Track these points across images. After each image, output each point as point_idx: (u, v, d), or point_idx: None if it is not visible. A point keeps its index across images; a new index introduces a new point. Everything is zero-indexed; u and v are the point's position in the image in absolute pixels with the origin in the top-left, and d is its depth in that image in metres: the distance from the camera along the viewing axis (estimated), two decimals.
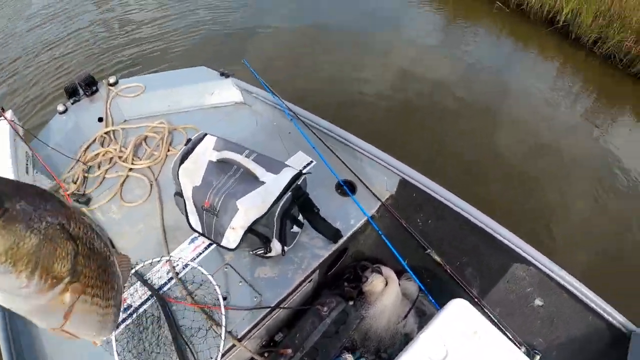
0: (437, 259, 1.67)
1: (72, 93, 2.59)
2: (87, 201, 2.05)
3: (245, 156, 1.59)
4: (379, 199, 1.87)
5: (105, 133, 2.34)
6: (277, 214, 1.46)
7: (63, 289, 0.53)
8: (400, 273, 1.80)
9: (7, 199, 0.45)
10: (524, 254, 1.56)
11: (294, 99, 2.31)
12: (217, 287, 1.50)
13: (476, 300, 1.57)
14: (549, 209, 3.29)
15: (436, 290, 1.63)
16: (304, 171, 1.63)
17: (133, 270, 1.64)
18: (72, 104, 2.57)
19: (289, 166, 1.59)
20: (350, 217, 1.84)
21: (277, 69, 4.39)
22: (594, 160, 4.03)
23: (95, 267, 0.59)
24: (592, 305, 1.44)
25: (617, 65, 6.02)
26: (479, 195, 3.12)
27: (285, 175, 1.53)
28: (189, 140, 1.67)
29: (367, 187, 1.90)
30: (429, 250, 1.70)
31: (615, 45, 6.10)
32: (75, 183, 2.12)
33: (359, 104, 4.14)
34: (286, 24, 5.63)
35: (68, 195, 2.02)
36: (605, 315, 1.42)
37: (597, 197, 3.54)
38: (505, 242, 1.59)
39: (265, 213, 1.45)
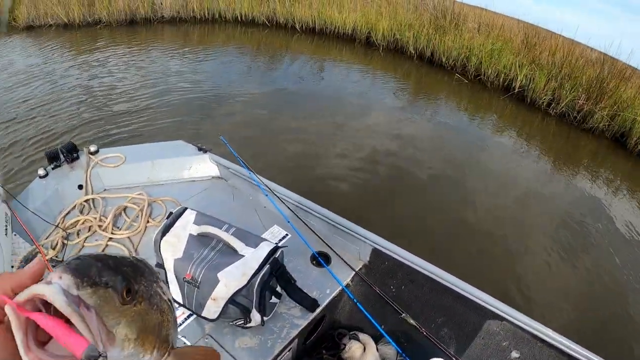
0: (413, 322, 1.72)
1: (53, 158, 2.63)
2: None
3: (225, 230, 1.67)
4: (352, 269, 1.95)
5: (85, 201, 2.38)
6: (256, 285, 1.52)
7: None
8: (377, 338, 1.85)
9: (133, 281, 0.45)
10: (496, 310, 1.63)
11: (269, 174, 2.45)
12: None
13: (454, 358, 1.62)
14: (518, 267, 3.42)
15: (414, 353, 1.66)
16: (280, 244, 1.73)
17: None
18: (53, 169, 2.60)
19: (267, 240, 1.68)
20: (326, 286, 1.91)
21: (253, 145, 4.58)
22: (557, 217, 4.26)
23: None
24: (568, 350, 1.49)
25: (571, 123, 6.58)
26: (449, 259, 3.24)
27: (263, 249, 1.62)
28: (170, 214, 1.75)
29: (340, 258, 1.99)
30: (403, 315, 1.75)
31: (569, 105, 6.71)
32: (54, 249, 2.11)
33: (329, 178, 4.30)
34: (261, 109, 5.85)
35: (47, 260, 2.01)
36: (582, 359, 1.47)
37: (561, 251, 3.72)
38: (477, 300, 1.67)
39: (245, 285, 1.51)
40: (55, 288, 0.38)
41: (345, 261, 1.96)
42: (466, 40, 8.11)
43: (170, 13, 11.72)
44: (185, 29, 11.33)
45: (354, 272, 1.95)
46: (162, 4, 11.73)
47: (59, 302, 0.37)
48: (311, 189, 3.90)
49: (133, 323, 0.43)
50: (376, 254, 2.00)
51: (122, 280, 0.43)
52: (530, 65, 7.21)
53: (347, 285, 1.94)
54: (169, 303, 0.53)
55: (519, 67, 7.29)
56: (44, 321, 0.38)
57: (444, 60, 8.31)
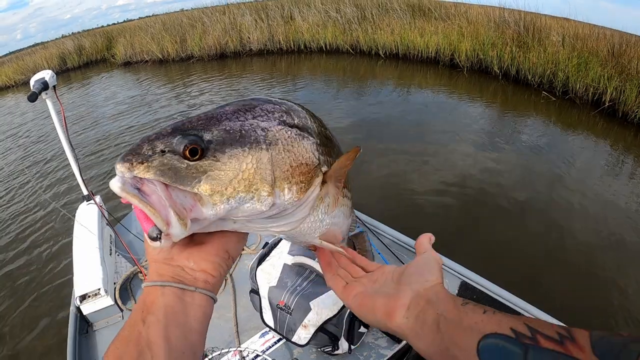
0: None
1: None
2: None
3: (318, 261, 1.76)
4: None
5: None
6: (346, 315, 1.58)
7: (319, 188, 0.49)
8: None
9: (200, 135, 0.41)
10: None
11: (357, 198, 2.52)
12: None
13: None
14: (620, 305, 3.06)
15: None
16: None
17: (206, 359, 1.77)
18: None
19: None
20: None
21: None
22: None
23: (335, 153, 0.54)
24: None
25: None
26: (539, 292, 3.01)
27: None
28: (266, 244, 1.90)
29: None
30: None
31: None
32: None
33: (415, 203, 4.23)
34: (349, 134, 5.94)
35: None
36: None
37: None
38: None
39: (336, 314, 1.58)
40: (114, 179, 0.38)
41: None
42: (551, 55, 7.57)
43: (257, 46, 12.66)
44: (272, 60, 12.11)
45: None
46: (249, 37, 12.76)
47: (115, 190, 0.38)
48: (397, 214, 3.88)
49: (215, 176, 0.40)
50: (465, 287, 1.97)
51: (180, 140, 0.40)
52: (619, 76, 6.54)
53: None
54: (305, 130, 0.48)
55: (607, 79, 6.64)
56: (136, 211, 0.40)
57: (529, 77, 7.82)
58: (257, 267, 1.80)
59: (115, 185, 0.38)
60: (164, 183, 0.39)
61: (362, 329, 1.73)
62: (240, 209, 0.42)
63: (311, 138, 0.48)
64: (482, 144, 5.63)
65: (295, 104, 0.52)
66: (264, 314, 1.79)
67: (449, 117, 6.69)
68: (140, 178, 0.39)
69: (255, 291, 1.81)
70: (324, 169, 0.49)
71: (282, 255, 1.83)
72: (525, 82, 7.95)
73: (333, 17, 12.07)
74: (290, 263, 1.79)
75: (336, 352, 1.70)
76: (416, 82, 8.96)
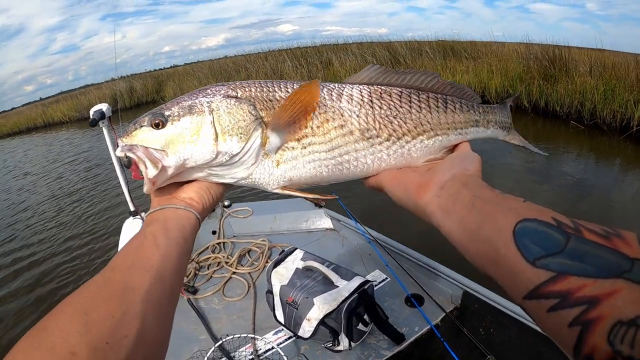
0: None
1: None
2: (195, 291, 2.56)
3: (326, 266, 2.03)
4: (443, 310, 2.06)
5: (217, 243, 2.97)
6: (344, 310, 1.78)
7: (260, 140, 0.62)
8: None
9: (162, 111, 0.61)
10: None
11: (374, 224, 2.75)
12: None
13: None
14: None
15: None
16: (379, 286, 2.04)
17: (219, 344, 1.99)
18: None
19: (360, 275, 1.96)
20: (415, 324, 2.05)
21: (362, 198, 4.89)
22: None
23: (287, 111, 0.62)
24: None
25: None
26: None
27: (355, 282, 1.91)
28: (282, 251, 2.16)
29: (432, 299, 2.12)
30: (489, 357, 1.79)
31: None
32: (187, 277, 2.69)
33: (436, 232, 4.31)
34: None
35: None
36: None
37: None
38: None
39: (335, 309, 1.79)
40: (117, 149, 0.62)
41: (437, 303, 2.09)
42: (578, 85, 7.61)
43: None
44: None
45: (444, 314, 2.06)
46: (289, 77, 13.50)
47: (117, 153, 0.61)
48: (415, 239, 3.99)
49: (171, 136, 0.60)
50: (467, 296, 2.10)
51: (150, 118, 0.61)
52: None
53: (437, 326, 2.04)
54: (242, 98, 0.63)
55: (635, 104, 6.57)
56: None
57: (557, 109, 7.87)
58: (273, 270, 2.06)
59: (117, 151, 0.62)
60: (143, 145, 0.60)
61: (362, 327, 1.90)
62: (194, 158, 0.60)
63: (248, 102, 0.63)
64: (519, 181, 5.59)
65: (252, 82, 0.67)
66: (276, 312, 2.01)
67: (484, 157, 6.74)
68: (130, 144, 0.60)
69: (269, 291, 2.05)
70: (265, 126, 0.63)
71: (295, 261, 2.09)
72: (554, 114, 7.96)
73: (369, 61, 12.47)
74: (301, 267, 2.04)
75: (337, 348, 1.87)
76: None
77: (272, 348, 1.97)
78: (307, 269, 2.03)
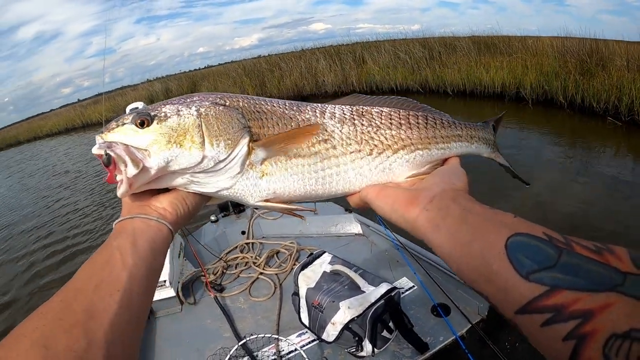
0: None
1: (223, 209, 3.48)
2: (222, 289, 2.62)
3: (354, 271, 2.04)
4: (469, 321, 2.01)
5: (246, 243, 3.02)
6: (369, 316, 1.77)
7: (246, 148, 0.61)
8: None
9: (147, 112, 0.59)
10: None
11: (403, 230, 2.70)
12: None
13: None
14: None
15: None
16: (405, 294, 2.00)
17: (242, 342, 2.04)
18: (223, 217, 3.41)
19: (387, 282, 1.94)
20: (440, 335, 2.02)
21: None
22: None
23: (276, 125, 0.63)
24: None
25: None
26: None
27: (382, 288, 1.90)
28: (310, 254, 2.18)
29: (459, 310, 2.08)
30: None
31: None
32: (214, 274, 2.75)
33: None
34: None
35: (209, 282, 2.62)
36: None
37: None
38: None
39: (360, 314, 1.78)
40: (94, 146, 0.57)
41: (464, 314, 2.04)
42: (615, 80, 7.24)
43: (332, 88, 13.36)
44: None
45: (470, 325, 2.01)
46: (324, 80, 13.54)
47: (93, 151, 0.57)
48: None
49: (156, 136, 0.57)
50: (495, 309, 2.04)
51: (134, 116, 0.58)
52: None
53: (462, 337, 2.00)
54: (233, 108, 0.62)
55: None
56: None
57: (594, 104, 7.52)
58: (300, 272, 2.08)
59: (94, 148, 0.57)
60: (124, 143, 0.56)
61: (386, 334, 1.89)
62: (178, 160, 0.57)
63: (236, 111, 0.62)
64: (556, 177, 5.43)
65: (240, 95, 0.67)
66: (301, 314, 2.03)
67: (520, 153, 6.56)
68: (110, 142, 0.57)
69: (296, 293, 2.07)
70: (251, 136, 0.62)
71: (323, 265, 2.11)
72: (590, 110, 7.64)
73: (402, 58, 12.44)
74: (329, 270, 2.05)
75: (360, 354, 1.87)
76: (485, 117, 8.89)
77: (295, 350, 1.99)
78: (335, 273, 2.04)
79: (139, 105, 2.83)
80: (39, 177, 12.18)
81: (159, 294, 2.44)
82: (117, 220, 0.58)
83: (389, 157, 0.67)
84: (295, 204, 0.67)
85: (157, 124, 0.58)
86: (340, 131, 0.66)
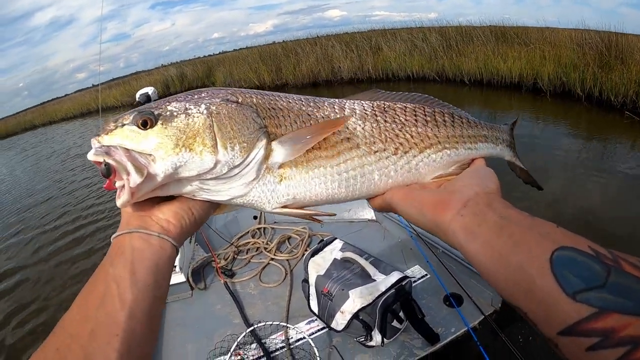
0: None
1: None
2: (232, 275, 2.63)
3: (365, 259, 2.01)
4: (482, 313, 1.98)
5: (257, 228, 3.02)
6: (379, 305, 1.75)
7: (263, 151, 0.55)
8: None
9: (151, 110, 0.52)
10: None
11: None
12: (319, 359, 1.79)
13: None
14: None
15: None
16: (417, 282, 1.95)
17: (251, 329, 2.04)
18: None
19: (398, 270, 1.91)
20: (451, 326, 1.99)
21: None
22: None
23: (294, 123, 0.58)
24: None
25: None
26: None
27: (393, 276, 1.87)
28: (321, 241, 2.16)
29: (472, 301, 2.05)
30: None
31: None
32: (225, 260, 2.76)
33: None
34: None
35: (219, 267, 2.62)
36: None
37: None
38: None
39: (370, 303, 1.76)
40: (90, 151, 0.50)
41: (476, 305, 2.01)
42: (634, 74, 7.10)
43: (348, 75, 13.24)
44: (362, 88, 12.41)
45: (483, 316, 1.98)
46: (340, 67, 13.40)
47: (89, 157, 0.49)
48: None
49: (162, 139, 0.51)
50: (532, 326, 2.00)
51: (135, 116, 0.51)
52: None
53: (474, 328, 1.97)
54: (247, 105, 0.56)
55: None
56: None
57: (612, 98, 7.38)
58: (310, 259, 2.06)
59: (89, 154, 0.49)
60: (124, 147, 0.50)
61: (396, 324, 1.87)
62: (188, 166, 0.51)
63: (251, 109, 0.56)
64: (571, 172, 5.34)
65: (252, 91, 0.61)
66: (310, 301, 2.02)
67: (537, 144, 6.47)
68: (108, 146, 0.50)
69: (306, 280, 2.06)
70: (269, 136, 0.56)
71: (333, 252, 2.09)
72: (608, 103, 7.50)
73: (419, 46, 12.31)
74: (339, 258, 2.02)
75: (370, 344, 1.85)
76: (501, 108, 8.88)
77: (304, 338, 1.98)
78: (345, 260, 2.02)
79: (149, 90, 2.80)
80: (54, 160, 12.36)
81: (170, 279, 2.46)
82: (114, 235, 0.52)
83: (415, 156, 0.62)
84: (313, 208, 0.63)
85: (162, 124, 0.51)
86: (363, 128, 0.61)
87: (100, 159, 0.48)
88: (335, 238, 2.20)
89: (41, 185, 9.41)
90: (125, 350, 0.43)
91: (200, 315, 2.37)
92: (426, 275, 2.33)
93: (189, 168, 0.51)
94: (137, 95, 2.80)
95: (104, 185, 0.50)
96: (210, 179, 0.53)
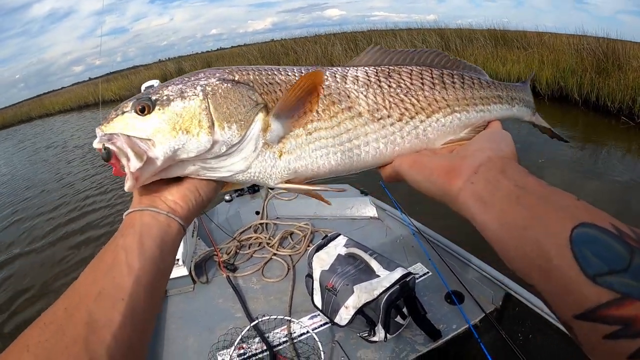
0: None
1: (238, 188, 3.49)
2: (234, 269, 2.64)
3: (369, 254, 2.02)
4: (483, 310, 2.01)
5: (260, 224, 3.03)
6: (383, 301, 1.77)
7: (260, 125, 0.56)
8: None
9: (150, 96, 0.54)
10: None
11: (421, 215, 2.70)
12: (322, 353, 1.81)
13: None
14: None
15: None
16: (419, 279, 1.99)
17: (254, 323, 2.04)
18: (237, 196, 3.43)
19: (402, 266, 1.93)
20: (453, 322, 2.02)
21: (406, 190, 4.81)
22: None
23: (291, 96, 0.56)
24: None
25: None
26: None
27: (397, 273, 1.88)
28: (325, 236, 2.17)
29: (473, 298, 2.07)
30: None
31: None
32: (227, 254, 2.77)
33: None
34: None
35: (222, 261, 2.64)
36: None
37: None
38: None
39: (374, 299, 1.78)
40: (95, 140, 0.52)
41: (477, 302, 2.04)
42: (631, 81, 7.25)
43: None
44: None
45: (484, 314, 2.01)
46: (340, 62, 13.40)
47: (94, 145, 0.52)
48: (462, 235, 3.94)
49: (159, 123, 0.52)
50: (508, 298, 2.04)
51: (134, 103, 0.53)
52: None
53: (475, 326, 1.99)
54: (241, 83, 0.57)
55: None
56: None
57: (608, 103, 7.52)
58: (314, 254, 2.08)
59: (94, 142, 0.52)
60: (125, 134, 0.51)
61: (400, 320, 1.89)
62: (186, 148, 0.53)
63: (247, 86, 0.57)
64: (565, 173, 5.45)
65: (251, 67, 0.61)
66: (314, 296, 2.04)
67: (533, 148, 6.56)
68: (110, 134, 0.52)
69: (309, 275, 2.07)
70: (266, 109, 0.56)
71: (338, 247, 2.10)
72: (605, 108, 7.66)
73: (419, 47, 12.30)
74: (343, 253, 2.04)
75: (373, 339, 1.87)
76: None
77: (307, 332, 2.00)
78: (350, 256, 2.03)
79: (155, 83, 2.81)
80: (53, 151, 12.30)
81: (172, 273, 2.46)
82: (126, 212, 0.54)
83: (422, 121, 0.60)
84: (320, 184, 0.62)
85: (160, 109, 0.53)
86: (365, 96, 0.59)
87: (101, 146, 0.50)
88: (339, 234, 2.22)
89: (40, 176, 9.38)
90: (129, 314, 0.45)
91: (202, 308, 2.37)
92: (428, 272, 2.35)
93: (188, 150, 0.53)
94: (143, 87, 2.81)
95: (113, 172, 0.52)
96: (211, 158, 0.55)
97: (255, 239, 2.87)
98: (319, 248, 2.10)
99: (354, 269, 1.94)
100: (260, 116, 0.55)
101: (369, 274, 1.90)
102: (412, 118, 0.60)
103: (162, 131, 0.52)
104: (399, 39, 13.15)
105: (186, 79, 0.57)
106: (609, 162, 5.87)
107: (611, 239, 0.34)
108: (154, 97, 0.54)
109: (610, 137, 6.83)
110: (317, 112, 0.57)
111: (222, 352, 1.99)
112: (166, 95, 0.54)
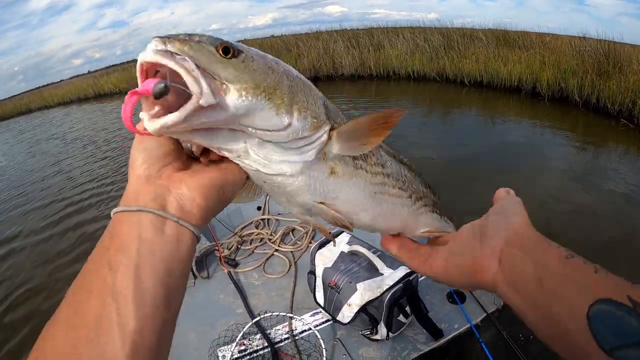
0: None
1: None
2: (236, 265, 2.63)
3: (372, 252, 2.02)
4: (484, 310, 2.02)
5: (261, 219, 3.02)
6: (387, 300, 1.77)
7: (326, 136, 0.50)
8: None
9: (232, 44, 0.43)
10: None
11: None
12: (324, 351, 1.81)
13: None
14: None
15: None
16: (422, 278, 2.00)
17: (256, 320, 2.04)
18: None
19: (405, 265, 1.92)
20: (455, 322, 2.02)
21: None
22: None
23: (344, 122, 0.54)
24: None
25: None
26: None
27: (400, 271, 1.88)
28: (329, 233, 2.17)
29: (475, 299, 2.08)
30: None
31: None
32: (229, 249, 2.76)
33: None
34: (431, 156, 6.20)
35: (223, 256, 2.63)
36: None
37: None
38: None
39: (378, 297, 1.78)
40: (145, 51, 0.39)
41: (479, 302, 2.05)
42: (631, 83, 7.31)
43: (349, 71, 13.22)
44: (363, 84, 12.69)
45: (485, 314, 2.01)
46: (342, 62, 13.37)
47: (146, 55, 0.38)
48: None
49: (245, 73, 0.42)
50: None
51: (215, 39, 0.42)
52: None
53: (477, 326, 2.00)
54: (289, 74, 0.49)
55: None
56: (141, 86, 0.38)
57: (608, 105, 7.56)
58: (317, 251, 2.07)
59: (147, 52, 0.39)
60: (197, 64, 0.39)
61: (402, 319, 1.89)
62: (259, 115, 0.43)
63: (322, 96, 0.53)
64: (566, 177, 5.41)
65: None
66: (316, 293, 2.03)
67: (533, 148, 6.57)
68: (172, 53, 0.39)
69: (312, 272, 2.07)
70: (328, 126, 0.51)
71: (341, 245, 2.10)
72: (604, 110, 7.69)
73: (421, 45, 12.44)
74: (346, 250, 2.04)
75: (375, 337, 1.87)
76: (499, 110, 9.00)
77: (309, 329, 2.00)
78: (353, 254, 2.03)
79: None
80: (54, 143, 12.26)
81: None
82: (116, 210, 0.39)
83: (419, 207, 0.68)
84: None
85: (244, 61, 0.43)
86: (391, 165, 0.62)
87: (164, 60, 0.38)
88: (342, 231, 2.21)
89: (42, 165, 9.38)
90: None
91: (203, 304, 2.37)
92: None
93: (261, 117, 0.43)
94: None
95: (126, 123, 0.38)
96: (273, 141, 0.46)
97: (256, 235, 2.87)
98: (322, 245, 2.10)
99: (357, 266, 1.94)
100: (327, 126, 0.50)
101: (372, 271, 1.90)
102: (417, 200, 0.68)
103: (245, 82, 0.41)
104: (401, 37, 13.12)
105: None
106: (608, 164, 5.89)
107: (626, 314, 0.36)
108: (239, 47, 0.43)
109: (610, 138, 6.86)
110: (365, 154, 0.56)
111: (222, 348, 1.99)
112: (252, 53, 0.45)
